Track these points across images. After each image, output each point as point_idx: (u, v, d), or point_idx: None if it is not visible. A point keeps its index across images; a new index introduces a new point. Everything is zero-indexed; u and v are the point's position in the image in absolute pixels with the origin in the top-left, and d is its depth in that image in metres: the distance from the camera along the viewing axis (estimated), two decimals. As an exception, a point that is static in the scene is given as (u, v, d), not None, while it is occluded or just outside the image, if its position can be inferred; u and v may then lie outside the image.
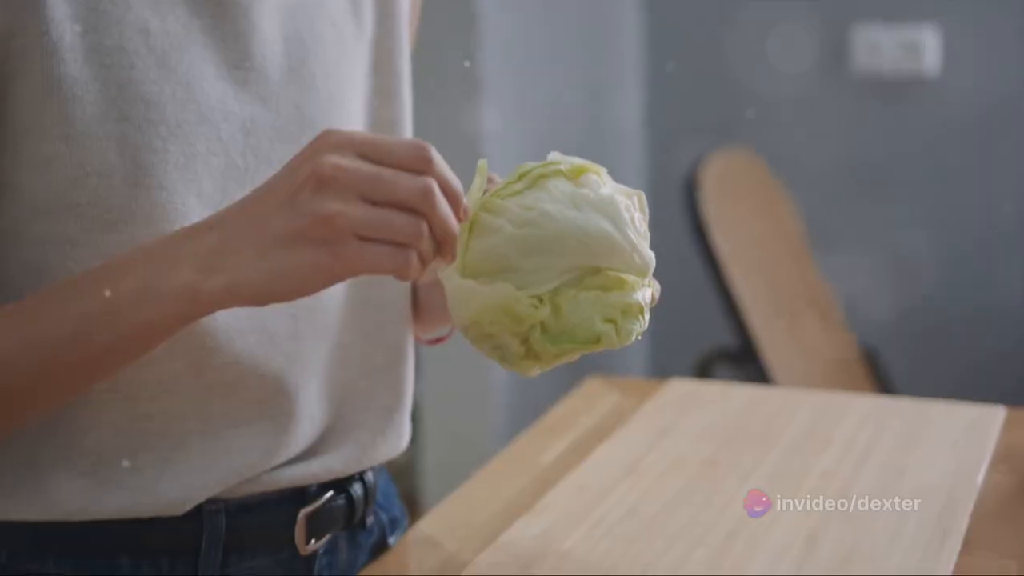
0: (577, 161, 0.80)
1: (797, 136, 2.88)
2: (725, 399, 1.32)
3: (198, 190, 0.85)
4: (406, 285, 1.01)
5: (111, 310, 0.78)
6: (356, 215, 0.72)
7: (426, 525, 1.07)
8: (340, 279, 0.76)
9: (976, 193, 2.83)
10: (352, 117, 0.95)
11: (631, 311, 0.78)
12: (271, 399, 0.92)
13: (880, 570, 0.93)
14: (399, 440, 1.02)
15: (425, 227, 0.74)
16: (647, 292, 0.80)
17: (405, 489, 2.55)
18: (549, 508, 1.04)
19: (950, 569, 0.93)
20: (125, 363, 0.82)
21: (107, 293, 0.77)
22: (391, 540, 1.06)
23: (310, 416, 0.95)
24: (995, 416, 1.22)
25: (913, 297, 2.87)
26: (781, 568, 0.94)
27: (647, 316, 0.79)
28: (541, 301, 0.77)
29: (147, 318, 0.77)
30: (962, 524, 0.99)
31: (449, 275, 0.78)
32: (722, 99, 2.95)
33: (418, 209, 0.74)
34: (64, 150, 0.80)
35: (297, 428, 0.93)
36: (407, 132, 1.00)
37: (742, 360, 2.45)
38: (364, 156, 0.73)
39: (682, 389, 1.34)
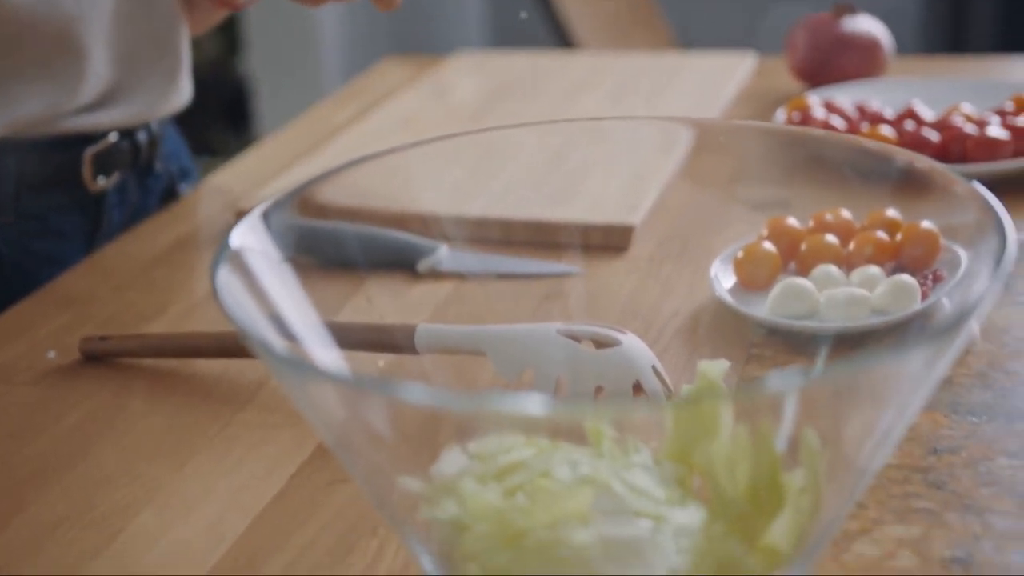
0: None
1: None
2: (508, 64, 1.41)
3: None
4: None
5: None
6: None
7: (216, 177, 1.15)
8: None
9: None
10: None
11: None
12: (55, 56, 0.97)
13: (615, 174, 1.03)
14: (180, 98, 1.10)
15: None
16: None
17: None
18: (330, 153, 1.13)
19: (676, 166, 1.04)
20: None
21: None
22: (181, 188, 1.14)
23: (96, 74, 1.01)
24: (744, 61, 1.33)
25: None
26: (532, 176, 1.04)
27: None
28: None
29: None
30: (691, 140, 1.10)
31: None
32: None
33: None
34: None
35: (83, 85, 1.00)
36: None
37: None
38: None
39: (469, 59, 1.42)
